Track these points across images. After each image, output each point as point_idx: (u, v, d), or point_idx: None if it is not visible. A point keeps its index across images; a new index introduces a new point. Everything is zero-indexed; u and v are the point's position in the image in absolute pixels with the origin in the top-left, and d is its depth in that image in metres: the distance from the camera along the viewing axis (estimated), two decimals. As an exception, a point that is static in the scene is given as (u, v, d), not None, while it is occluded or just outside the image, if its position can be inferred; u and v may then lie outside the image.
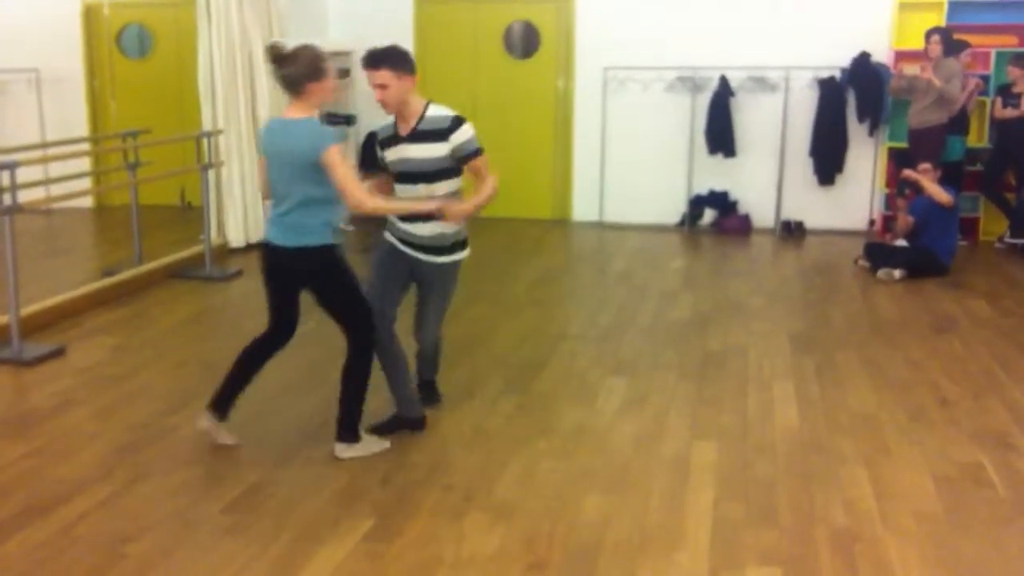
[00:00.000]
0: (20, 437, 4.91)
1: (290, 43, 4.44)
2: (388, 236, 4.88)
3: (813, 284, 8.21)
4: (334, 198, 4.38)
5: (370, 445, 4.70)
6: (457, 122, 4.62)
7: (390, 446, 4.74)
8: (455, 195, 4.71)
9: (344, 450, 4.64)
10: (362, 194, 4.35)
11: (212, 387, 5.61)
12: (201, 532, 3.97)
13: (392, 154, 4.70)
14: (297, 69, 4.32)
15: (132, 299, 7.53)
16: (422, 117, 4.63)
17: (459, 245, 4.88)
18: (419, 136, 4.61)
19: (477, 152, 4.66)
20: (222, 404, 4.74)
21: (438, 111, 4.65)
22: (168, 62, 11.10)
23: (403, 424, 4.92)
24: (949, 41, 9.10)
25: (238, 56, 8.97)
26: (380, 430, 4.87)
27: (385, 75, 4.50)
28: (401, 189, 4.74)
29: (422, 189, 4.66)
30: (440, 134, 4.59)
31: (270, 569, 3.68)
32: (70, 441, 4.86)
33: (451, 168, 4.66)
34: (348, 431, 4.64)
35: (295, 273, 4.52)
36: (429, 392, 5.29)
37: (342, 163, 4.31)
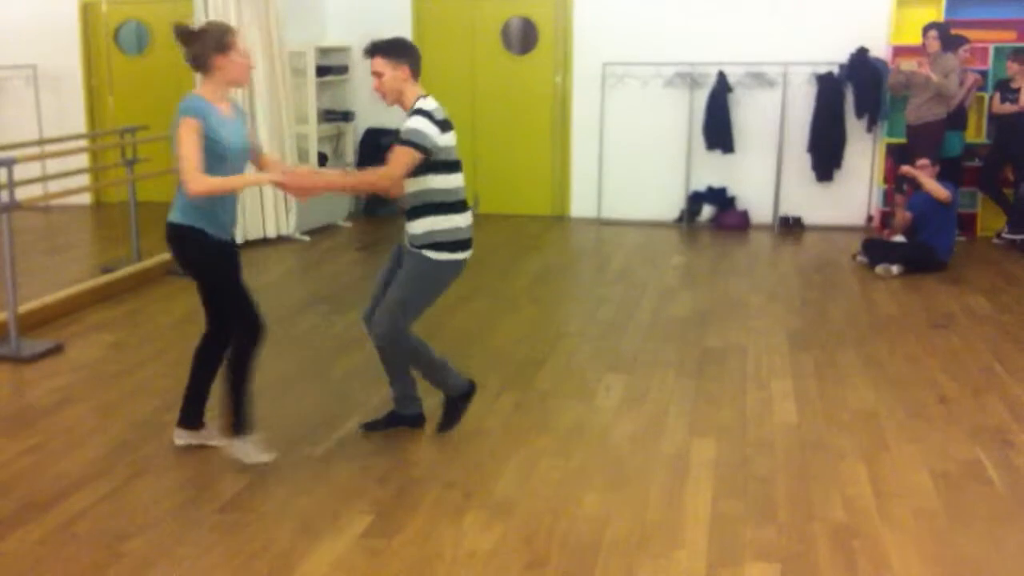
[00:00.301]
0: (18, 434, 4.91)
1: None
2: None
3: (811, 280, 8.22)
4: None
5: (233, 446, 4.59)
6: (413, 113, 4.42)
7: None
8: (421, 194, 4.49)
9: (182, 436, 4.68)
10: (191, 174, 4.14)
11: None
12: (200, 529, 3.97)
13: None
14: (202, 45, 4.25)
15: (130, 296, 7.53)
16: (409, 110, 4.51)
17: (442, 246, 4.53)
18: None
19: (401, 141, 4.37)
20: (191, 418, 4.71)
21: (423, 104, 4.46)
22: (165, 58, 11.06)
23: (401, 421, 4.91)
24: (947, 36, 9.10)
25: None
26: (376, 427, 4.87)
27: (379, 63, 4.46)
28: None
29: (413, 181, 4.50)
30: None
31: (269, 566, 3.68)
32: (68, 438, 4.86)
33: (426, 163, 4.41)
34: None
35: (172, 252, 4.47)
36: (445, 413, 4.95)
37: (186, 139, 4.15)
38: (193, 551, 3.80)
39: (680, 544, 3.84)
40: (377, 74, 4.47)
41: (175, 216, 4.36)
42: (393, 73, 4.46)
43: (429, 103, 4.48)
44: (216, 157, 4.24)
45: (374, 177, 4.55)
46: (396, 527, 3.96)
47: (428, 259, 4.53)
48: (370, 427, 4.87)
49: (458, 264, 4.62)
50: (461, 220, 4.56)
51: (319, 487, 4.33)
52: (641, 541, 3.86)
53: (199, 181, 4.16)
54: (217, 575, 3.62)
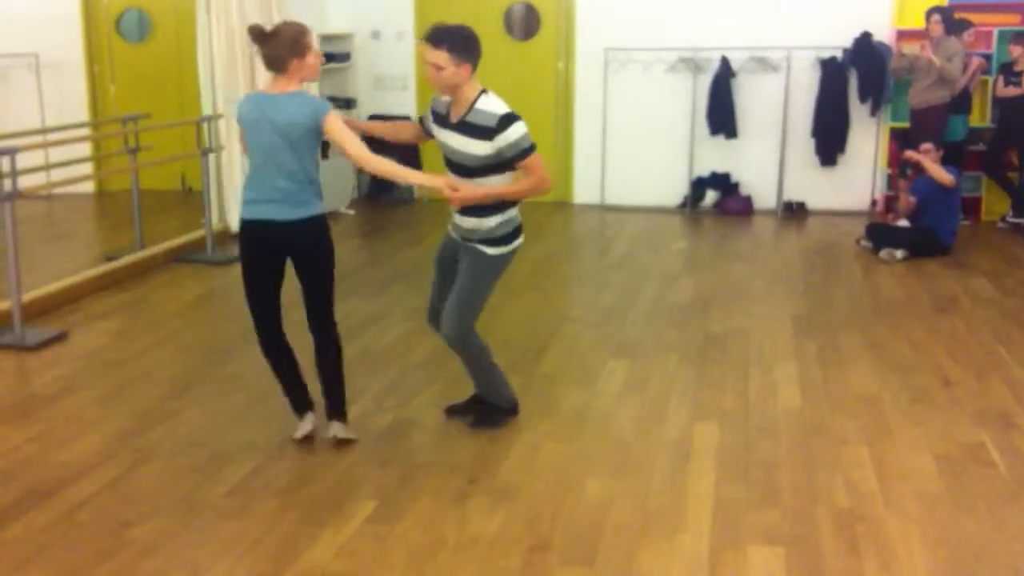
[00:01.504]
0: (23, 422, 4.92)
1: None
2: (449, 230, 4.71)
3: (815, 265, 8.20)
4: (317, 170, 4.39)
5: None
6: (504, 122, 4.26)
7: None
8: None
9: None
10: (366, 153, 4.29)
11: (214, 371, 5.64)
12: (205, 516, 3.98)
13: (439, 135, 4.49)
14: (280, 46, 4.26)
15: (134, 284, 7.53)
16: (471, 108, 4.33)
17: (503, 239, 4.51)
18: (464, 127, 4.34)
19: (525, 152, 4.32)
20: (300, 402, 4.72)
21: (488, 105, 4.32)
22: (167, 46, 11.07)
23: (496, 411, 4.86)
24: (950, 20, 9.06)
25: (237, 40, 8.93)
26: (457, 411, 4.91)
27: (443, 57, 4.21)
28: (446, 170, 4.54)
29: (459, 180, 4.41)
30: (485, 132, 4.28)
31: (274, 551, 3.69)
32: (73, 426, 4.87)
33: (495, 165, 4.35)
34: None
35: (292, 247, 4.43)
36: (479, 410, 4.91)
37: (343, 127, 4.30)
38: (198, 538, 3.81)
39: (683, 528, 3.85)
40: (437, 67, 4.24)
41: (316, 208, 4.39)
42: (455, 71, 4.24)
43: (502, 103, 4.36)
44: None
45: (532, 183, 4.40)
46: (400, 513, 3.97)
47: (490, 255, 4.52)
48: (452, 411, 4.91)
49: (514, 252, 4.61)
50: (515, 210, 4.55)
51: (323, 473, 4.33)
52: (644, 525, 3.87)
53: (375, 160, 4.32)
54: (222, 562, 3.63)
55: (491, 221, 4.45)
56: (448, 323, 4.57)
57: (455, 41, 4.24)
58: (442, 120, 4.47)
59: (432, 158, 9.01)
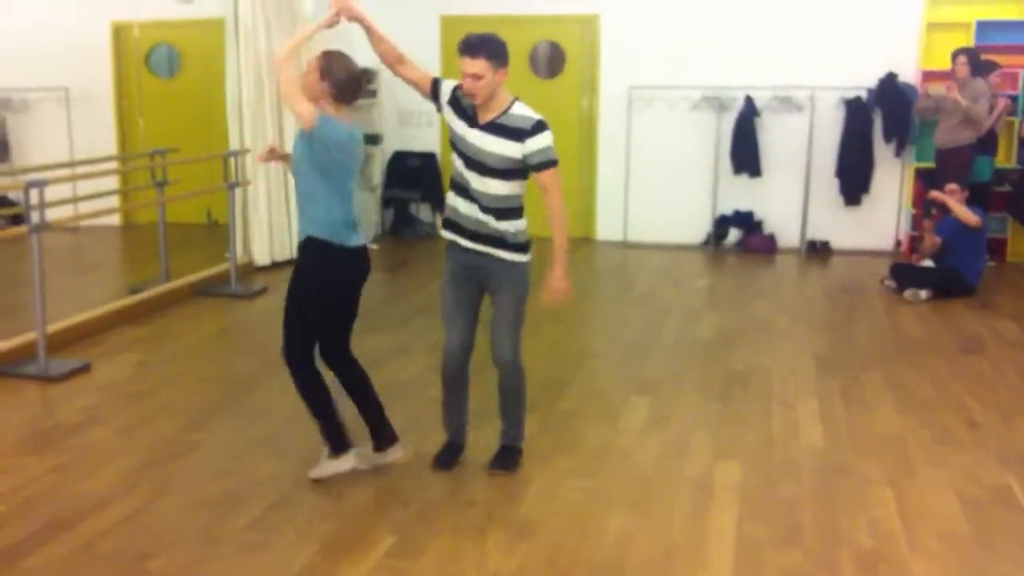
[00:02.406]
0: (45, 452, 4.93)
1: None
2: (461, 261, 4.64)
3: (838, 304, 8.17)
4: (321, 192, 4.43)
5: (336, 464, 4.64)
6: (539, 127, 4.36)
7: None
8: (514, 198, 4.48)
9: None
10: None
11: (235, 403, 5.64)
12: (224, 549, 3.97)
13: (459, 127, 4.44)
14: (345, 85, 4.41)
15: (157, 316, 7.58)
16: (505, 112, 4.39)
17: (526, 245, 4.57)
18: (495, 129, 4.37)
19: (550, 163, 4.40)
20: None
21: (523, 110, 4.40)
22: (196, 82, 11.20)
23: (513, 452, 4.81)
24: (976, 61, 9.05)
25: (265, 76, 9.03)
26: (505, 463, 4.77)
27: (482, 65, 4.25)
28: (458, 164, 4.47)
29: (476, 180, 4.41)
30: (518, 134, 4.34)
31: (292, 586, 3.68)
32: (94, 457, 4.89)
33: (517, 170, 4.40)
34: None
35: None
36: (498, 457, 4.81)
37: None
38: (217, 570, 3.80)
39: (704, 567, 3.81)
40: (476, 76, 4.27)
41: (311, 230, 4.41)
42: (493, 77, 4.30)
43: (531, 110, 4.45)
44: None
45: (562, 221, 4.46)
46: (419, 548, 3.95)
47: (524, 263, 4.54)
48: (496, 464, 4.77)
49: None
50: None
51: (342, 508, 4.32)
52: (665, 564, 3.84)
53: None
54: (239, 594, 3.63)
55: (520, 223, 4.49)
56: (506, 348, 4.58)
57: (492, 48, 4.30)
58: (468, 118, 4.45)
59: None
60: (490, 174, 4.39)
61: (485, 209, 4.44)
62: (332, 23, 4.53)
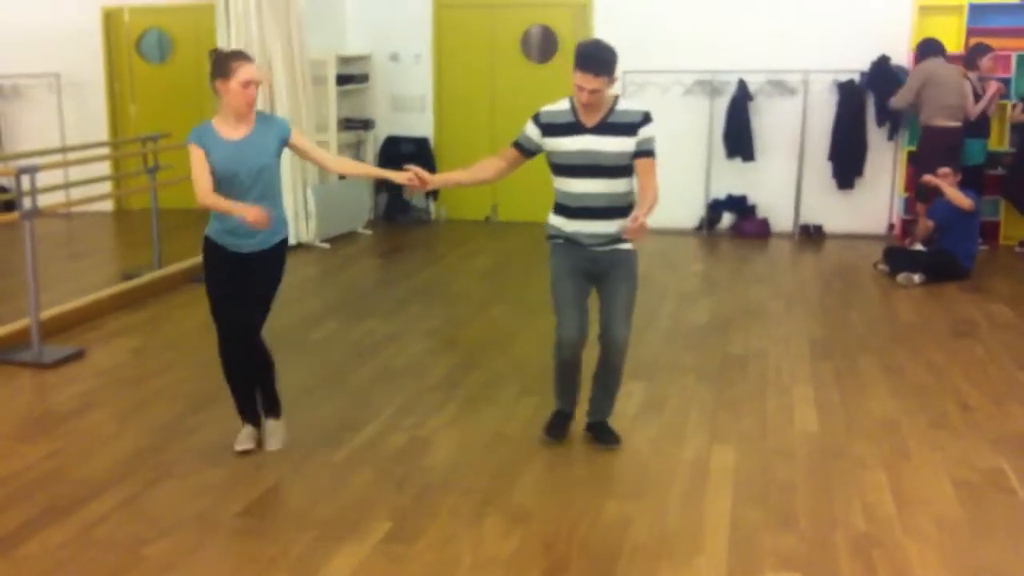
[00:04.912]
0: (41, 439, 4.93)
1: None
2: (570, 250, 4.66)
3: (832, 288, 8.18)
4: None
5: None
6: (648, 118, 4.49)
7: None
8: (630, 195, 4.58)
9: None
10: (200, 190, 4.50)
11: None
12: (220, 534, 3.98)
13: (568, 144, 4.48)
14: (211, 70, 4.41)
15: (152, 302, 7.56)
16: (611, 110, 4.46)
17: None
18: (607, 128, 4.44)
19: (654, 153, 4.51)
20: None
21: (629, 105, 4.51)
22: (187, 67, 11.15)
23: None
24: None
25: (257, 61, 8.95)
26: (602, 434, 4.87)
27: (602, 82, 4.33)
28: (568, 183, 4.54)
29: (595, 184, 4.48)
30: (629, 128, 4.44)
31: (289, 571, 3.68)
32: (90, 443, 4.88)
33: (630, 166, 4.49)
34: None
35: None
36: (602, 433, 4.89)
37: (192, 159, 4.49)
38: (213, 556, 3.81)
39: (700, 551, 3.83)
40: (594, 91, 4.35)
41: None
42: (607, 88, 4.40)
43: (634, 103, 4.55)
44: (216, 180, 4.47)
45: (654, 199, 4.47)
46: (415, 533, 3.96)
47: (635, 250, 4.65)
48: (605, 440, 4.85)
49: None
50: None
51: (338, 493, 4.33)
52: (661, 548, 3.85)
53: (205, 197, 4.51)
54: (237, 580, 3.63)
55: (616, 226, 4.54)
56: (624, 330, 4.65)
57: (611, 67, 4.35)
58: (571, 128, 4.49)
59: (445, 162, 8.94)
60: (607, 174, 4.48)
61: (601, 212, 4.51)
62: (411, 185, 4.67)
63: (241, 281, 4.57)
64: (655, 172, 4.51)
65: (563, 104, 4.53)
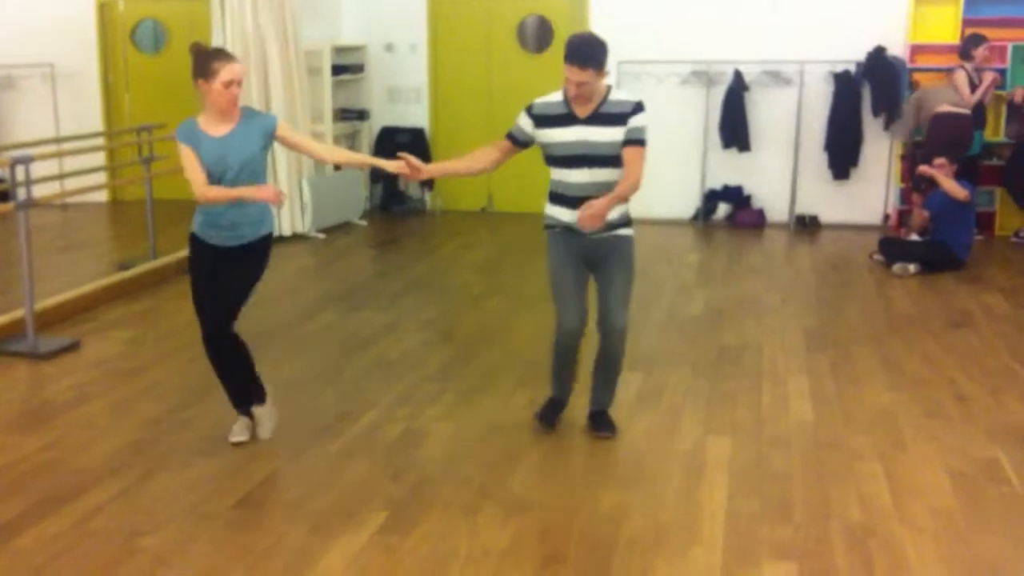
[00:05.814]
0: (36, 430, 4.92)
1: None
2: (560, 240, 4.69)
3: (828, 279, 8.18)
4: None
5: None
6: (639, 107, 4.50)
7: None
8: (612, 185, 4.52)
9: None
10: (197, 186, 4.50)
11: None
12: (216, 525, 3.97)
13: (561, 135, 4.51)
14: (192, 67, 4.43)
15: (147, 293, 7.55)
16: (604, 100, 4.49)
17: (630, 220, 4.72)
18: (599, 119, 4.47)
19: (642, 142, 4.49)
20: None
21: (622, 95, 4.54)
22: (182, 57, 10.86)
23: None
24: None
25: (252, 51, 8.97)
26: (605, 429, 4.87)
27: (590, 74, 4.35)
28: (564, 173, 4.56)
29: (590, 173, 4.49)
30: (621, 118, 4.46)
31: (285, 562, 3.68)
32: (85, 434, 4.88)
33: (619, 155, 4.49)
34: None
35: None
36: (600, 422, 4.93)
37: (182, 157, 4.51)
38: (208, 548, 3.81)
39: (697, 542, 3.83)
40: (583, 83, 4.37)
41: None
42: (598, 80, 4.42)
43: (628, 93, 4.58)
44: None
45: (632, 188, 4.48)
46: (411, 524, 3.96)
47: (632, 236, 4.70)
48: (602, 428, 4.87)
49: None
50: None
51: (334, 484, 4.33)
52: (657, 539, 3.85)
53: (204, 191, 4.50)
54: (232, 572, 3.63)
55: (627, 205, 4.61)
56: (621, 317, 4.68)
57: (599, 59, 4.37)
58: (564, 119, 4.51)
59: (441, 152, 8.92)
60: (602, 164, 4.49)
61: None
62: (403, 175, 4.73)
63: (225, 275, 4.56)
64: (640, 161, 4.50)
65: (557, 96, 4.55)
